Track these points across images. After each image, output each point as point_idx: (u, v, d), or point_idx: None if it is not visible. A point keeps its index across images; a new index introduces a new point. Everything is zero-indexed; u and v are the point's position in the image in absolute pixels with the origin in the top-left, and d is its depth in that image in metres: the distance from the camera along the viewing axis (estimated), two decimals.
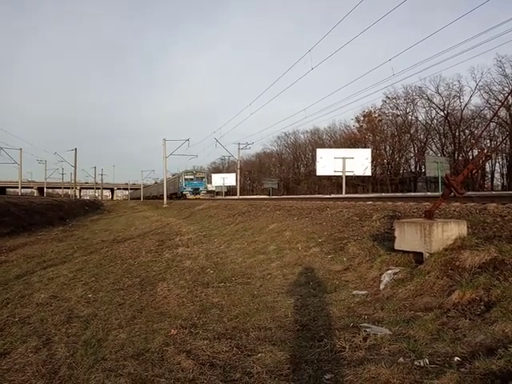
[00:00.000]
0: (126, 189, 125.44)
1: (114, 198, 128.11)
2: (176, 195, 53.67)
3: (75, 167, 52.34)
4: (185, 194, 48.62)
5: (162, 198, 39.52)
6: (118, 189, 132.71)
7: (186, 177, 50.39)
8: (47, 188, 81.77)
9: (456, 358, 2.75)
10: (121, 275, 7.02)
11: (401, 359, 2.85)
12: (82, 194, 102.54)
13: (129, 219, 24.19)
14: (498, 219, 5.38)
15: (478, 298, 3.59)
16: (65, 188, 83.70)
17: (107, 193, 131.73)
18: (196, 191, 49.05)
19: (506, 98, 44.14)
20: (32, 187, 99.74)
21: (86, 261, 8.80)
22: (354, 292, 4.69)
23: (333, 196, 21.23)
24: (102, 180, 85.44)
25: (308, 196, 21.85)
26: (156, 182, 77.51)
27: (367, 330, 3.47)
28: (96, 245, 11.53)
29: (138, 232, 15.05)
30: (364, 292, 4.65)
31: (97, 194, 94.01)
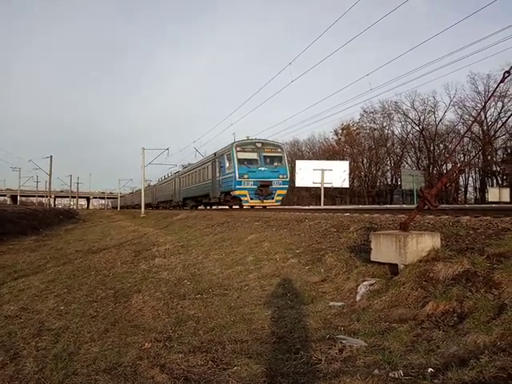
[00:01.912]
0: (103, 198, 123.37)
1: (90, 207, 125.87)
2: (196, 201, 30.65)
3: (50, 175, 51.18)
4: (235, 198, 21.03)
5: (153, 207, 36.96)
6: (94, 198, 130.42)
7: (242, 155, 20.87)
8: (21, 196, 79.68)
9: (430, 370, 2.78)
10: (94, 287, 6.85)
11: (376, 371, 2.86)
12: (56, 202, 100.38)
13: (105, 229, 23.73)
14: (471, 232, 5.51)
15: (451, 310, 3.65)
16: (39, 196, 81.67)
17: (83, 202, 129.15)
18: (267, 192, 20.36)
19: (479, 114, 45.71)
20: (5, 195, 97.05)
21: (59, 272, 8.56)
22: (331, 303, 4.71)
23: (311, 207, 21.50)
24: (77, 188, 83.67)
25: (287, 207, 21.85)
26: (149, 185, 62.98)
27: (343, 341, 3.47)
28: (70, 255, 11.25)
29: (114, 242, 14.76)
30: (340, 303, 4.66)
31: (72, 203, 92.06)
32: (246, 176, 19.96)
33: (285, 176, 21.13)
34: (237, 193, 20.27)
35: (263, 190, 20.22)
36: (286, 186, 21.84)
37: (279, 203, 21.29)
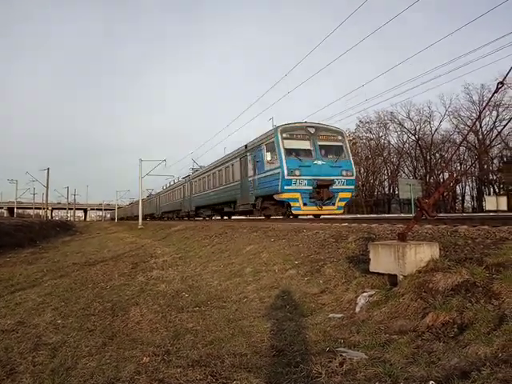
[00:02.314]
0: (100, 209, 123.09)
1: (88, 219, 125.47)
2: (214, 210, 25.86)
3: (47, 187, 51.11)
4: (280, 204, 15.94)
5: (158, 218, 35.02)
6: (92, 209, 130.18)
7: (290, 144, 15.27)
8: (18, 208, 79.37)
9: (431, 382, 2.76)
10: (92, 300, 6.79)
11: None
12: (54, 214, 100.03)
13: (102, 241, 23.64)
14: (469, 241, 5.51)
15: (451, 321, 3.63)
16: (36, 208, 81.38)
17: (80, 213, 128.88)
18: (327, 194, 14.61)
19: (474, 124, 46.09)
20: (2, 207, 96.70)
21: (56, 284, 8.49)
22: (331, 315, 4.68)
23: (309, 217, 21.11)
24: (74, 200, 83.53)
25: (279, 217, 21.23)
26: (150, 195, 59.66)
27: (343, 354, 3.44)
28: (67, 268, 11.16)
29: (111, 254, 14.68)
30: (340, 315, 4.64)
31: (69, 215, 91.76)
32: (297, 172, 14.22)
33: (349, 173, 15.34)
34: (285, 196, 14.50)
35: (322, 191, 14.44)
36: (352, 188, 15.98)
37: (341, 210, 15.63)
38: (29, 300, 7.03)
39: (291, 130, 15.34)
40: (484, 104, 46.30)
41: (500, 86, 4.88)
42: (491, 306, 3.57)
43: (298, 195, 14.50)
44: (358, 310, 4.63)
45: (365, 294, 4.84)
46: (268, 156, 15.72)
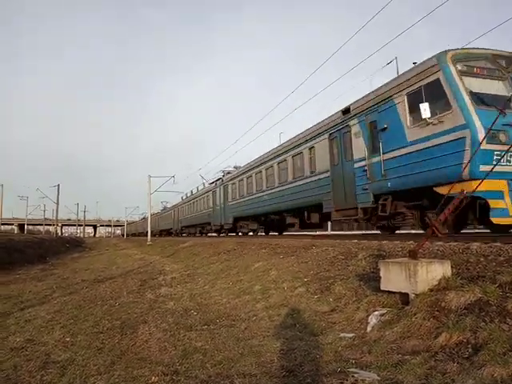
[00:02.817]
0: (109, 225, 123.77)
1: (97, 235, 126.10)
2: (275, 223, 19.72)
3: (57, 204, 51.50)
4: (470, 203, 7.05)
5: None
6: (101, 225, 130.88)
7: (473, 83, 7.94)
8: (28, 225, 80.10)
9: None
10: (101, 317, 6.77)
11: None
12: (63, 230, 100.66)
13: (111, 257, 23.70)
14: (482, 259, 5.42)
15: (465, 341, 3.56)
16: (46, 225, 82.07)
17: (90, 230, 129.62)
18: None
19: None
20: (12, 224, 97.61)
21: (65, 302, 8.50)
22: (341, 335, 4.61)
23: (318, 233, 20.48)
24: (84, 217, 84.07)
25: (294, 233, 20.26)
26: (165, 208, 55.10)
27: (355, 375, 3.38)
28: (76, 285, 11.19)
29: (120, 271, 14.70)
30: (351, 335, 4.56)
31: (79, 231, 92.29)
32: (502, 138, 7.67)
33: None
34: (477, 186, 5.86)
35: None
36: None
37: None
38: (38, 317, 7.03)
39: (469, 60, 8.47)
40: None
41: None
42: (506, 325, 3.50)
43: (503, 184, 7.62)
44: (369, 329, 4.56)
45: (376, 312, 4.77)
46: (425, 109, 8.27)
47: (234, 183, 23.51)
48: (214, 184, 28.83)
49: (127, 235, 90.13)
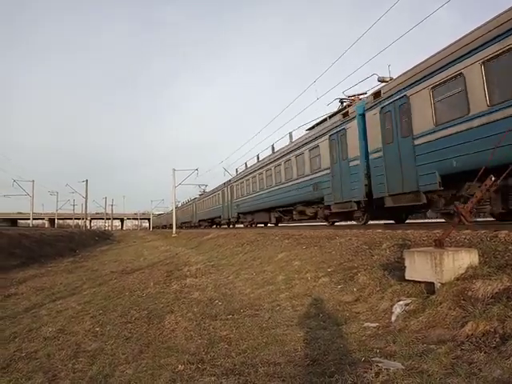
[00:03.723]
0: (136, 218, 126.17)
1: (124, 228, 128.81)
2: None
3: (86, 198, 52.85)
4: None
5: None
6: (128, 219, 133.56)
7: None
8: (58, 219, 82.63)
9: None
10: (128, 307, 6.96)
11: None
12: (92, 224, 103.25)
13: (138, 249, 24.21)
14: (510, 247, 5.26)
15: (492, 330, 3.48)
16: (75, 219, 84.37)
17: (117, 223, 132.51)
18: None
19: None
20: (43, 218, 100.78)
21: (95, 293, 8.77)
22: (365, 324, 4.59)
23: (342, 223, 20.01)
24: (112, 210, 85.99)
25: (317, 224, 20.24)
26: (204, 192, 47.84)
27: (379, 364, 3.37)
28: (105, 276, 11.51)
29: (147, 263, 15.02)
30: (375, 324, 4.54)
31: (107, 225, 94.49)
32: None
33: None
34: None
35: None
36: None
37: None
38: (69, 308, 7.29)
39: None
40: None
41: None
42: None
43: None
44: (393, 318, 4.52)
45: (401, 302, 4.72)
46: None
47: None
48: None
49: (153, 227, 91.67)
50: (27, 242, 19.57)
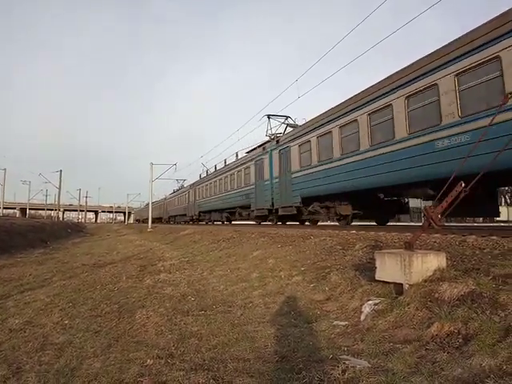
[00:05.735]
0: (111, 211, 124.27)
1: (98, 221, 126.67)
2: None
3: (59, 189, 51.70)
4: None
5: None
6: (103, 211, 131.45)
7: None
8: (30, 209, 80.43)
9: None
10: (99, 301, 6.86)
11: None
12: (65, 216, 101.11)
13: (111, 243, 23.82)
14: (477, 252, 5.46)
15: (456, 331, 3.60)
16: (48, 210, 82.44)
17: (91, 215, 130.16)
18: None
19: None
20: (15, 208, 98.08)
21: (65, 285, 8.59)
22: (335, 322, 4.66)
23: (318, 224, 20.87)
24: (86, 202, 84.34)
25: (294, 223, 21.19)
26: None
27: (346, 362, 3.44)
28: (76, 269, 11.28)
29: (120, 256, 14.80)
30: (345, 323, 4.62)
31: (80, 217, 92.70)
32: None
33: None
34: None
35: None
36: None
37: None
38: (37, 300, 7.12)
39: None
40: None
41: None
42: (497, 317, 3.54)
43: None
44: (362, 318, 4.61)
45: (370, 302, 4.82)
46: None
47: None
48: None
49: (137, 221, 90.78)
50: None
